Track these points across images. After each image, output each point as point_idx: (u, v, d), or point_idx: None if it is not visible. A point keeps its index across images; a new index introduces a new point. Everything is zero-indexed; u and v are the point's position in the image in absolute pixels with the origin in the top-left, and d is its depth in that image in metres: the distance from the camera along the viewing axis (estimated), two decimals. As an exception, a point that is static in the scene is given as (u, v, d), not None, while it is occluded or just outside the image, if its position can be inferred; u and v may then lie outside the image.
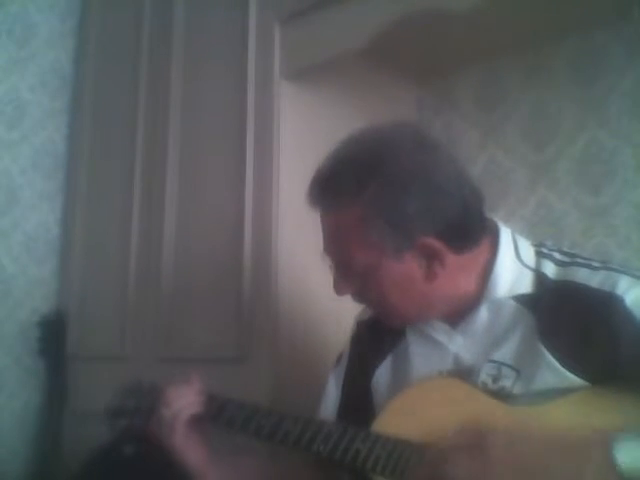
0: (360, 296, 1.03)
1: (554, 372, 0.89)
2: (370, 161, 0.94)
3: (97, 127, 2.04)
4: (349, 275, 0.99)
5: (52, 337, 1.90)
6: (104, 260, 1.93)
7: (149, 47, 1.91)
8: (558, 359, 0.89)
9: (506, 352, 0.94)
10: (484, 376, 0.94)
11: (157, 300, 1.74)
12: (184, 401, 1.08)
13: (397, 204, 0.92)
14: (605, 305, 0.88)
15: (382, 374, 1.08)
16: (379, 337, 1.10)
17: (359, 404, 1.08)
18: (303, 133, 1.61)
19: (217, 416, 1.07)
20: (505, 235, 1.00)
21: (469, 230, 0.96)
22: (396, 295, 0.98)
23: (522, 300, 0.95)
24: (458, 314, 1.00)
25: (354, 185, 0.93)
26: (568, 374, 0.88)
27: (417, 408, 0.95)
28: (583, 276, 0.93)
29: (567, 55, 1.62)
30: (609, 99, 1.54)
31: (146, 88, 1.90)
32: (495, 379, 0.93)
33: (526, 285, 0.96)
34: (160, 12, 1.89)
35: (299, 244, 1.56)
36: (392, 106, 1.79)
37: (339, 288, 1.02)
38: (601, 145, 1.54)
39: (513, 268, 0.97)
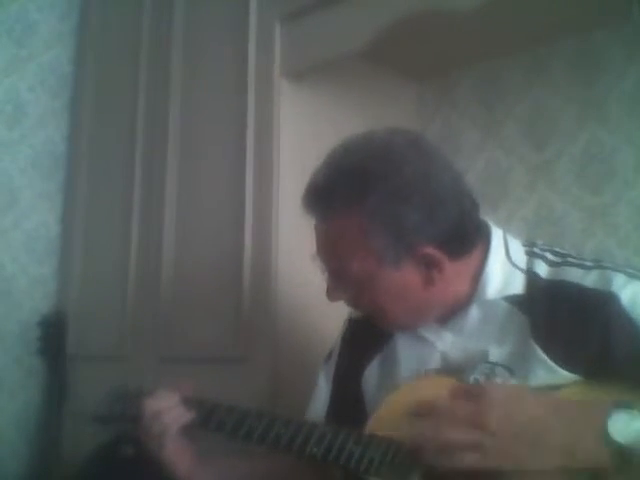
0: (354, 303, 1.03)
1: (548, 370, 0.89)
2: (369, 170, 0.92)
3: (97, 127, 2.03)
4: (343, 282, 0.98)
5: (52, 337, 1.90)
6: (104, 260, 1.92)
7: (149, 46, 1.91)
8: (552, 357, 0.89)
9: (500, 353, 0.94)
10: (477, 375, 0.94)
11: (157, 300, 1.74)
12: (172, 415, 1.04)
13: (398, 215, 0.91)
14: (599, 303, 0.88)
15: (371, 374, 1.07)
16: (369, 337, 1.09)
17: (350, 403, 1.07)
18: (303, 132, 1.61)
19: (206, 421, 1.05)
20: (496, 237, 1.00)
21: (466, 237, 0.97)
22: (392, 303, 0.97)
23: (514, 301, 0.95)
24: (448, 313, 1.00)
25: (354, 194, 0.92)
26: (562, 372, 0.88)
27: (409, 408, 0.93)
28: (575, 275, 0.93)
29: (567, 55, 1.62)
30: (609, 99, 1.54)
31: (146, 87, 1.89)
32: (488, 377, 0.93)
33: (517, 286, 0.96)
34: (160, 11, 1.89)
35: (299, 244, 1.56)
36: (392, 106, 1.80)
37: (332, 295, 1.01)
38: (601, 145, 1.55)
39: (504, 269, 0.97)
